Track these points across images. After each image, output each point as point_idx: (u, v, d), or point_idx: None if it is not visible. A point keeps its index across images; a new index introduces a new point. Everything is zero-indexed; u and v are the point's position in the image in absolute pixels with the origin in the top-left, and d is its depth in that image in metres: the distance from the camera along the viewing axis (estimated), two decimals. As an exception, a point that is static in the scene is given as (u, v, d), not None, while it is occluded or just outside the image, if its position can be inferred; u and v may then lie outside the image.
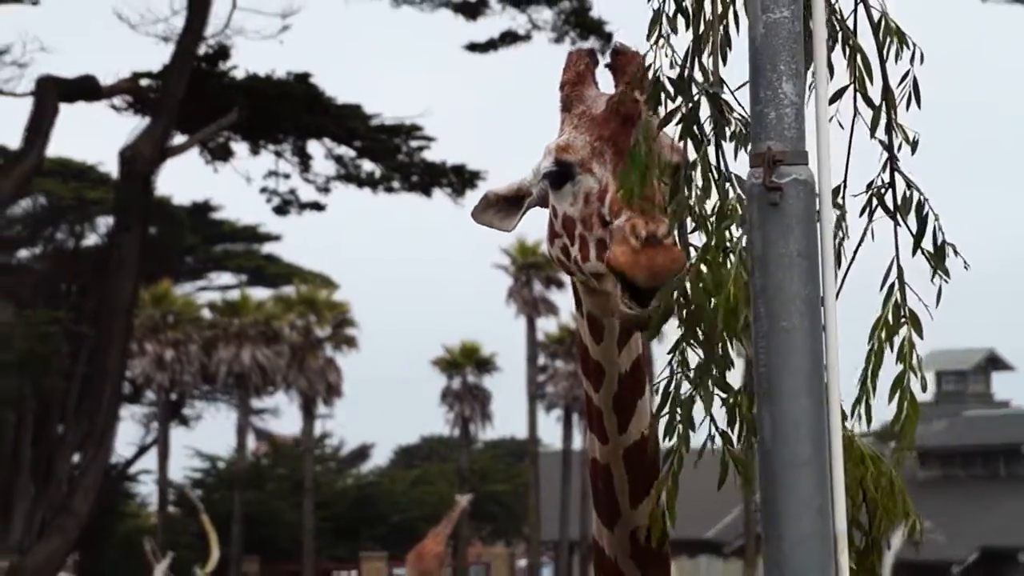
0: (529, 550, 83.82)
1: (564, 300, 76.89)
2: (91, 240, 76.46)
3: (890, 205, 3.82)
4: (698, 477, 3.96)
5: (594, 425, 4.94)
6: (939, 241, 3.81)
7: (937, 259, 3.80)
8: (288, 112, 23.28)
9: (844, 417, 3.78)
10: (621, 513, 4.92)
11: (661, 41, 3.85)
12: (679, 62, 3.85)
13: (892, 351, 3.87)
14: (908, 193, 3.83)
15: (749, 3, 3.51)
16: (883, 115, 3.82)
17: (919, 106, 3.80)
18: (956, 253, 3.81)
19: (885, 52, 3.80)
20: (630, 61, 4.61)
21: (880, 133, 3.85)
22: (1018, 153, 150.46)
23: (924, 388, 3.91)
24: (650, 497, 4.87)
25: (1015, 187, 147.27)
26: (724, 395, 3.91)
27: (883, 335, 3.86)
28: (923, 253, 3.80)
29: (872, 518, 3.97)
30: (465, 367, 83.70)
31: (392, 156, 24.60)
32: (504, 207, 5.02)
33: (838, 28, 3.78)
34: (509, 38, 23.34)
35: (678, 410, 3.94)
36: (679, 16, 3.84)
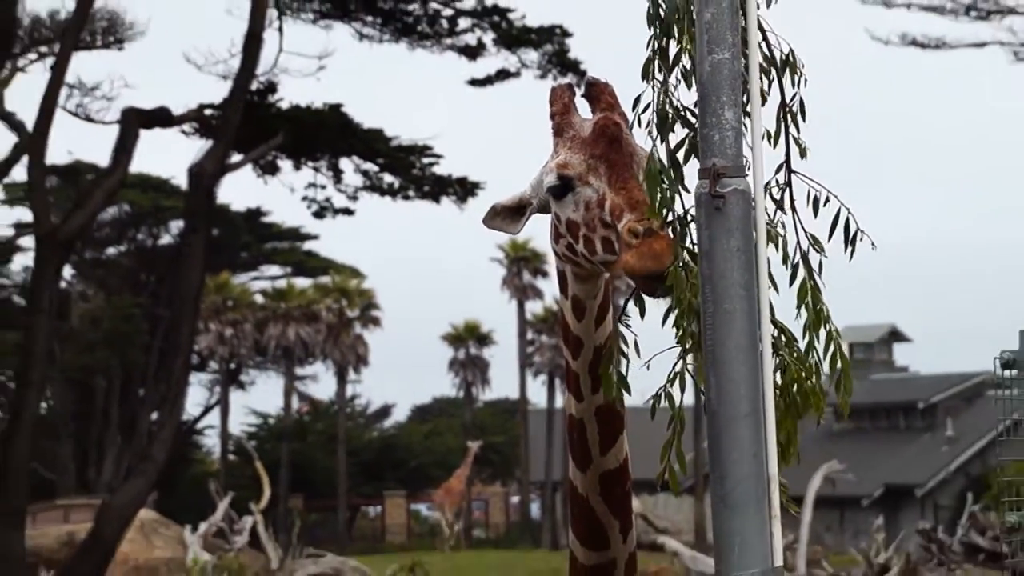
0: (520, 489, 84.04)
1: (548, 287, 77.24)
2: (165, 240, 76.55)
3: (786, 202, 3.85)
4: (659, 428, 3.96)
5: (572, 387, 5.01)
6: (852, 231, 3.82)
7: (847, 249, 3.82)
8: (324, 136, 23.26)
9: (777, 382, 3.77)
10: (592, 459, 4.97)
11: (654, 81, 3.86)
12: (666, 96, 3.85)
13: (814, 318, 3.89)
14: (810, 191, 3.86)
15: (697, 46, 3.52)
16: (782, 129, 3.85)
17: (804, 119, 3.87)
18: (864, 236, 3.82)
19: (783, 80, 3.83)
20: (602, 91, 4.75)
21: (782, 145, 3.89)
22: (906, 148, 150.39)
23: (841, 350, 3.95)
24: (616, 446, 4.96)
25: (909, 180, 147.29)
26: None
27: (809, 306, 3.87)
28: (809, 237, 3.84)
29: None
30: (468, 341, 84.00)
31: (408, 170, 24.56)
32: (508, 215, 5.05)
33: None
34: (502, 75, 23.28)
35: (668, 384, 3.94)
36: (656, 60, 3.85)
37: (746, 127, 3.58)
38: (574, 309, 4.91)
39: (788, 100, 3.86)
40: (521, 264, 77.76)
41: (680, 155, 3.81)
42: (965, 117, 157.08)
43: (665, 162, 3.82)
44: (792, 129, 3.86)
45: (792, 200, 3.85)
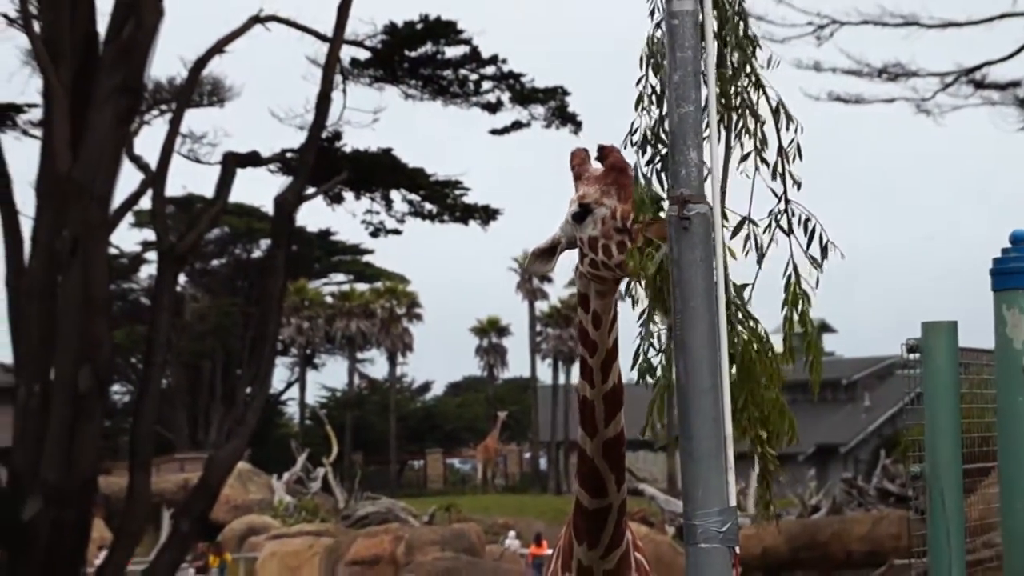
0: (531, 447, 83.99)
1: (554, 291, 77.48)
2: (256, 254, 76.61)
3: (784, 224, 3.83)
4: (644, 397, 3.96)
5: (587, 377, 5.01)
6: (824, 243, 3.81)
7: (821, 259, 3.80)
8: (378, 173, 23.27)
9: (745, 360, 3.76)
10: (598, 431, 5.01)
11: (644, 112, 3.86)
12: (651, 120, 3.85)
13: (797, 317, 3.88)
14: (800, 215, 3.84)
15: (668, 99, 3.54)
16: (779, 167, 3.82)
17: (801, 159, 3.83)
18: (836, 247, 3.82)
19: (778, 125, 3.81)
20: (610, 151, 4.77)
21: (778, 180, 3.86)
22: (837, 177, 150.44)
23: (818, 341, 3.97)
24: (616, 419, 5.02)
25: (836, 202, 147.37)
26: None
27: (792, 306, 3.86)
28: (808, 256, 3.81)
29: (765, 427, 3.99)
30: (490, 332, 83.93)
31: (443, 200, 24.55)
32: (544, 255, 5.07)
33: (747, 110, 3.79)
34: (516, 125, 23.25)
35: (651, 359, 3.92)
36: (646, 98, 3.86)
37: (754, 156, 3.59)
38: (593, 321, 4.94)
39: (785, 144, 3.83)
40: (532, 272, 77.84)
41: (655, 169, 3.82)
42: (877, 152, 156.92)
43: (644, 174, 3.83)
44: (788, 165, 3.83)
45: (789, 222, 3.82)
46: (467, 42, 21.95)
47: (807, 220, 3.79)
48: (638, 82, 3.85)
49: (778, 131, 3.81)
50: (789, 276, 3.82)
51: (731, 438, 3.50)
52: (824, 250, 3.80)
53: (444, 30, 21.85)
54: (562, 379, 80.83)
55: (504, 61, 22.21)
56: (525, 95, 22.72)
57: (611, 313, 4.96)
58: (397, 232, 24.75)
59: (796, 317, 3.86)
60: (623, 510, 5.22)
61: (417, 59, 21.92)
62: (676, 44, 3.54)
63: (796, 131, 3.82)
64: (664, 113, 3.75)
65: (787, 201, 3.81)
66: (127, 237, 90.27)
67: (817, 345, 3.95)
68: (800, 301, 3.83)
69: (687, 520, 3.42)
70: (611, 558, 5.26)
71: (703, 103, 3.56)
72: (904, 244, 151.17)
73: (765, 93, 3.81)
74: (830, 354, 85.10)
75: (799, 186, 3.81)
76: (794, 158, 3.82)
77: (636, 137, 3.87)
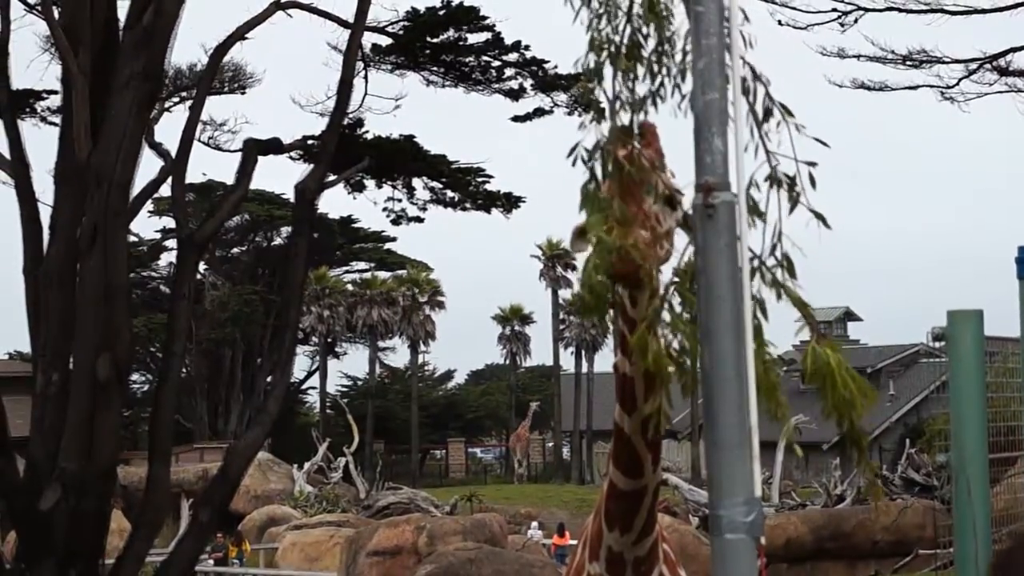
0: (554, 436, 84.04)
1: (576, 278, 77.28)
2: (277, 241, 76.79)
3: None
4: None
5: (627, 353, 4.95)
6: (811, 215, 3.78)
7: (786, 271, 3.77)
8: (400, 160, 23.24)
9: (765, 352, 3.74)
10: (638, 407, 4.99)
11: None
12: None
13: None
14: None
15: (694, 87, 3.53)
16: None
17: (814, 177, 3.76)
18: (821, 223, 3.75)
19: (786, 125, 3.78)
20: (647, 130, 4.65)
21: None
22: (862, 171, 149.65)
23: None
24: (653, 396, 4.91)
25: (864, 191, 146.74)
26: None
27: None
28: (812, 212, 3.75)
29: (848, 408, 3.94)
30: (513, 320, 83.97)
31: (466, 187, 24.51)
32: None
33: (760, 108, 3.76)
34: (539, 112, 23.19)
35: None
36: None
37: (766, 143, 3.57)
38: (630, 296, 4.89)
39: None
40: (555, 260, 77.89)
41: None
42: (902, 143, 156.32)
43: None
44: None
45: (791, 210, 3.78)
46: (490, 28, 21.91)
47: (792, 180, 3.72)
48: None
49: (788, 127, 3.75)
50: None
51: (756, 427, 3.49)
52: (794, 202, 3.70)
53: (467, 16, 21.82)
54: (585, 367, 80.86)
55: (527, 47, 22.17)
56: (548, 82, 22.65)
57: (647, 290, 4.93)
58: (419, 220, 24.74)
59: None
60: (656, 494, 5.21)
61: (439, 45, 21.89)
62: (701, 31, 3.54)
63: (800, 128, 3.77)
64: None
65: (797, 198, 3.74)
66: (147, 225, 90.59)
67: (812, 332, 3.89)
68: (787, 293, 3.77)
69: (712, 510, 3.42)
70: (643, 544, 5.25)
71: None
72: (930, 231, 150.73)
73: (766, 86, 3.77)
74: (855, 342, 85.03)
75: (814, 183, 3.74)
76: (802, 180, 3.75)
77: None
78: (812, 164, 3.76)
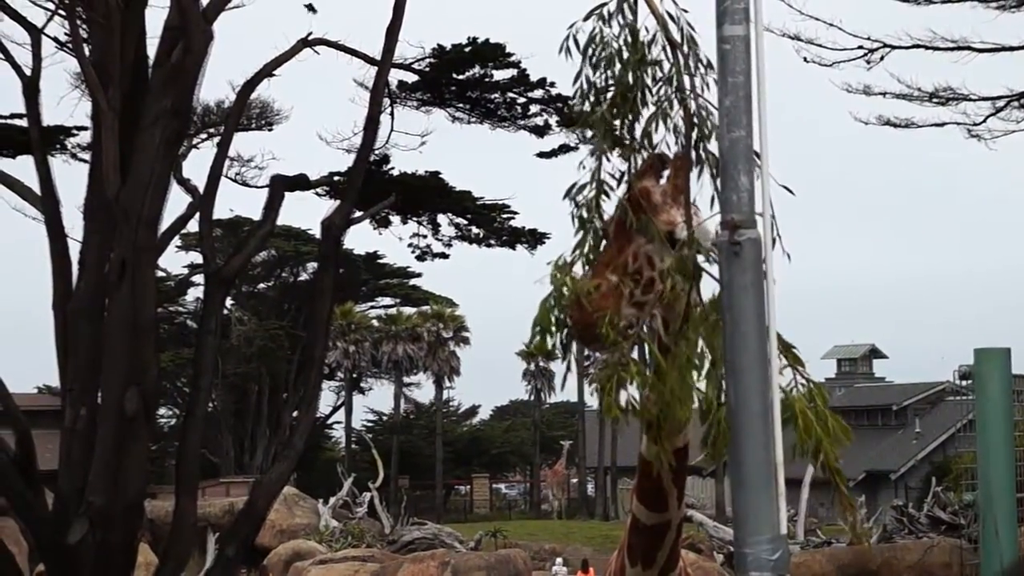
0: (578, 472, 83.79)
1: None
2: (303, 277, 76.92)
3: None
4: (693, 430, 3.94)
5: None
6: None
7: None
8: (425, 197, 23.32)
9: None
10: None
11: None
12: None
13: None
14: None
15: (720, 126, 3.53)
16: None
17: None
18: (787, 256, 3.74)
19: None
20: (679, 163, 4.62)
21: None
22: (890, 207, 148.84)
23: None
24: (650, 442, 4.88)
25: (899, 231, 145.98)
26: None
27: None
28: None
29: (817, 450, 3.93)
30: (537, 356, 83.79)
31: (491, 224, 24.57)
32: None
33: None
34: (564, 148, 23.26)
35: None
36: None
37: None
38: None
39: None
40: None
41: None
42: (927, 180, 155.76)
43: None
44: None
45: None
46: (515, 65, 21.97)
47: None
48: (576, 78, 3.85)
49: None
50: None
51: (782, 464, 3.48)
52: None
53: (492, 53, 21.89)
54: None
55: (552, 84, 22.22)
56: (573, 119, 22.71)
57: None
58: (444, 256, 24.78)
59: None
60: (680, 530, 5.18)
61: (465, 82, 21.96)
62: (728, 69, 3.54)
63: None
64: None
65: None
66: (174, 260, 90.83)
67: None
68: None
69: (738, 548, 3.40)
70: None
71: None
72: (957, 270, 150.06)
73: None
74: (881, 379, 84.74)
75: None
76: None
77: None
78: (790, 191, 3.78)
